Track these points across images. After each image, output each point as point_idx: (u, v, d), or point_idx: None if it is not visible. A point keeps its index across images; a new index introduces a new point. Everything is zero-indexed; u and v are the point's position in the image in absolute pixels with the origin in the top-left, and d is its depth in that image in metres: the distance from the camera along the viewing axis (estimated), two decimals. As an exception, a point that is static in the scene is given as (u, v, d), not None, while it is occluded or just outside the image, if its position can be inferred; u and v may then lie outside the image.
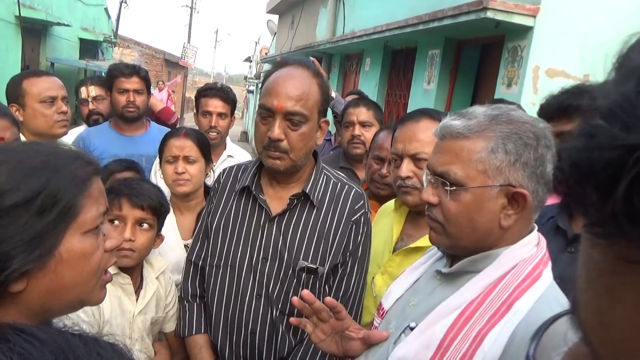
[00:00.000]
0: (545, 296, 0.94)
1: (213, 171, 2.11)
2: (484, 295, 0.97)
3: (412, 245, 1.58)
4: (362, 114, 2.58)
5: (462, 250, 1.06)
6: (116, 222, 1.59)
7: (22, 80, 2.24)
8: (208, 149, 2.10)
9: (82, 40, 14.66)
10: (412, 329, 1.04)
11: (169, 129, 2.94)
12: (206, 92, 2.73)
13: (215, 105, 2.68)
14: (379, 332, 1.19)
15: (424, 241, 1.54)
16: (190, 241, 1.99)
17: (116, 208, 1.58)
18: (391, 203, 1.83)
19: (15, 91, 2.20)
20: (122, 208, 1.59)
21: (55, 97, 2.24)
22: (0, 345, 0.40)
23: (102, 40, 15.66)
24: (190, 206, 2.07)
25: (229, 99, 2.74)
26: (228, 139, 2.83)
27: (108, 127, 2.87)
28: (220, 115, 2.68)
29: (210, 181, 2.07)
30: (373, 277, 1.65)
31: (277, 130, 1.40)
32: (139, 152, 2.71)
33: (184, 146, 2.02)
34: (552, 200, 1.08)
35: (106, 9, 17.40)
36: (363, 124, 2.56)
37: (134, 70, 2.80)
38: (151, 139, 2.76)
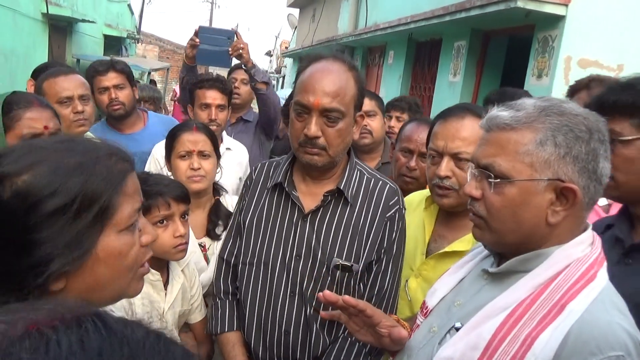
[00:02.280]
0: (600, 298, 0.90)
1: (221, 168, 2.04)
2: (535, 296, 0.93)
3: (447, 249, 1.53)
4: (366, 103, 2.49)
5: (507, 247, 1.02)
6: (163, 221, 1.57)
7: (42, 81, 2.24)
8: (217, 143, 2.03)
9: (106, 37, 14.85)
10: (457, 329, 1.01)
11: (175, 121, 2.79)
12: (202, 83, 2.58)
13: (214, 97, 2.56)
14: (398, 330, 1.18)
15: (459, 245, 1.50)
16: (204, 239, 1.97)
17: (164, 208, 1.56)
18: (416, 196, 1.77)
19: (40, 92, 2.22)
20: (170, 206, 1.58)
21: (71, 97, 2.21)
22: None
23: (125, 36, 15.84)
24: (201, 203, 1.98)
25: (227, 90, 2.63)
26: (223, 132, 2.71)
27: (106, 126, 2.74)
28: (219, 107, 2.56)
29: (219, 177, 2.01)
30: (407, 280, 1.60)
31: (313, 127, 1.38)
32: (141, 149, 2.47)
33: (198, 140, 1.92)
34: (613, 210, 1.01)
35: (129, 5, 17.60)
36: (368, 114, 2.51)
37: (108, 66, 2.63)
38: (152, 134, 2.64)
